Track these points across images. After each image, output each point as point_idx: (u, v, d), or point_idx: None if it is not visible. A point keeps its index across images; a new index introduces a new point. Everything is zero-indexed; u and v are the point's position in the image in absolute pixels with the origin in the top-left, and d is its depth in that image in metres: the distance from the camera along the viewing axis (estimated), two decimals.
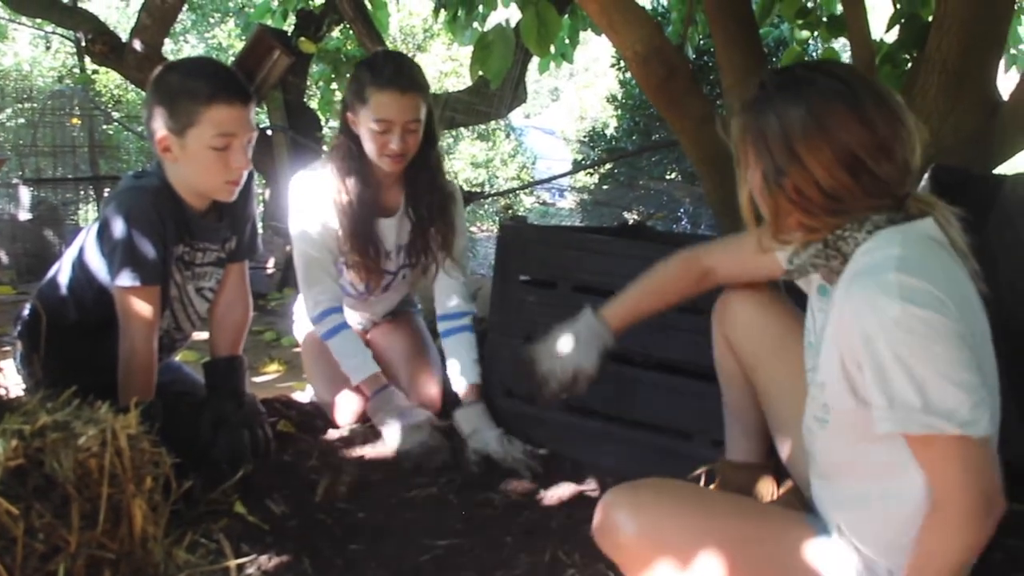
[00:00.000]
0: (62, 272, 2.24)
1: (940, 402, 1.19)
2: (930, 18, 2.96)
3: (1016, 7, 4.41)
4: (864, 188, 1.30)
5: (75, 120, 7.24)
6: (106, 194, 6.87)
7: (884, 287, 1.22)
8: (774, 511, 1.60)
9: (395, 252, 2.59)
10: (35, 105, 7.32)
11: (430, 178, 2.53)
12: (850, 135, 1.29)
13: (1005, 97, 2.86)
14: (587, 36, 5.47)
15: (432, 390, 2.60)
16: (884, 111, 1.31)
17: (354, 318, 2.78)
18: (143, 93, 5.95)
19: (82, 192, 7.14)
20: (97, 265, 2.12)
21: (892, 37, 3.38)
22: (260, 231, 2.58)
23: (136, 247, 1.99)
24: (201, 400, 2.27)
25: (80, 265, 2.19)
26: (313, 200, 2.46)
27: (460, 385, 2.49)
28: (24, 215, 6.24)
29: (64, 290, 2.21)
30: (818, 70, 1.36)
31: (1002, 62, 4.70)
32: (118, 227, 1.99)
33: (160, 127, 2.02)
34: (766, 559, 1.43)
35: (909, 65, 3.19)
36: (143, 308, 2.04)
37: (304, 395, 2.76)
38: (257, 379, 3.38)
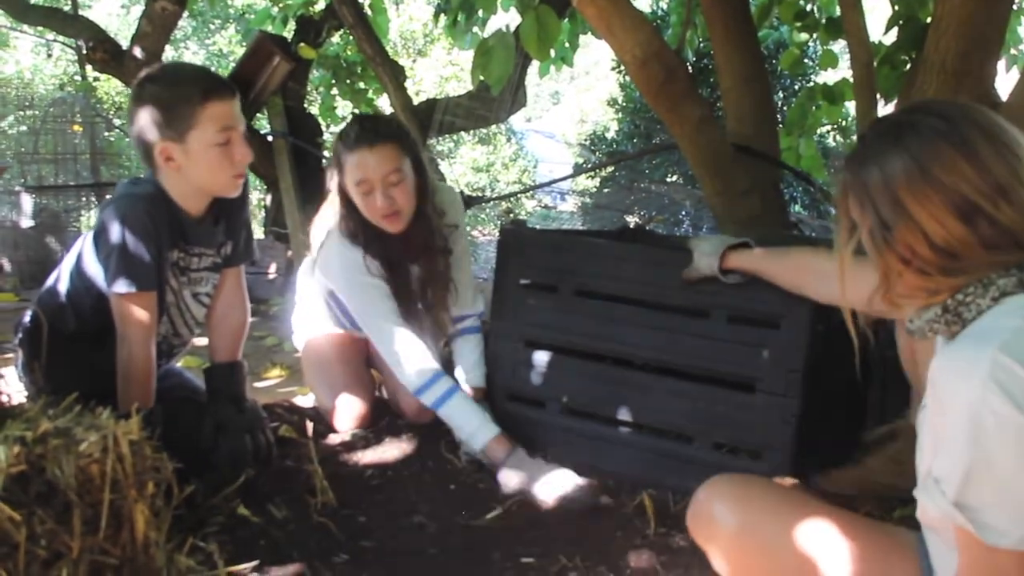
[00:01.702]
0: (61, 280, 2.25)
1: (975, 501, 1.09)
2: (928, 19, 2.97)
3: (1014, 8, 4.42)
4: (983, 239, 1.12)
5: (77, 127, 7.25)
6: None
7: (976, 361, 1.08)
8: (885, 531, 1.45)
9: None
10: (37, 112, 7.33)
11: (424, 238, 2.43)
12: (959, 178, 1.12)
13: (1004, 98, 2.86)
14: (587, 40, 5.49)
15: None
16: (998, 146, 1.14)
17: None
18: None
19: (84, 199, 7.16)
20: (95, 272, 2.13)
21: (891, 39, 3.38)
22: (261, 236, 2.59)
23: (131, 254, 2.01)
24: (202, 406, 2.28)
25: (78, 273, 2.19)
26: (357, 271, 2.37)
27: (463, 387, 2.46)
28: (26, 222, 6.25)
29: (63, 297, 2.22)
30: (919, 111, 1.22)
31: (1003, 62, 4.72)
32: (113, 234, 2.01)
33: (157, 138, 2.02)
34: None
35: (908, 67, 3.19)
36: (140, 314, 2.05)
37: (306, 400, 2.77)
38: (259, 384, 3.39)
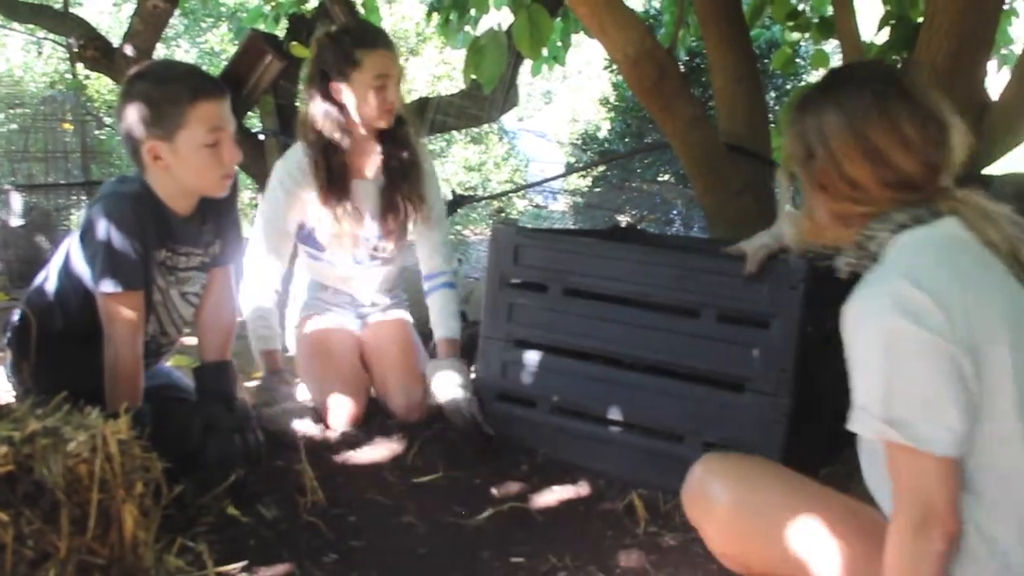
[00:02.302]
0: (49, 279, 2.23)
1: (902, 414, 1.23)
2: (919, 19, 2.98)
3: (1005, 8, 4.43)
4: (882, 178, 1.36)
5: (67, 125, 7.22)
6: None
7: (880, 294, 1.27)
8: (872, 513, 1.48)
9: (370, 217, 2.67)
10: (27, 110, 7.28)
11: (404, 134, 2.66)
12: (870, 127, 1.36)
13: (995, 98, 2.87)
14: (579, 39, 5.48)
15: (416, 397, 2.62)
16: (912, 107, 1.37)
17: (347, 317, 2.81)
18: None
19: (74, 197, 7.11)
20: (82, 271, 2.11)
21: (882, 38, 3.39)
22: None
23: (117, 252, 2.00)
24: (191, 405, 2.27)
25: (66, 272, 2.18)
26: (284, 174, 2.60)
27: (438, 339, 2.67)
28: (16, 221, 6.22)
29: (51, 297, 2.21)
30: (859, 67, 1.54)
31: (993, 62, 4.73)
32: (99, 232, 2.00)
33: (145, 137, 2.02)
34: (853, 558, 1.40)
35: (899, 66, 3.20)
36: (126, 313, 2.04)
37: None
38: (250, 384, 3.38)
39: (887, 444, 1.26)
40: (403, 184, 2.66)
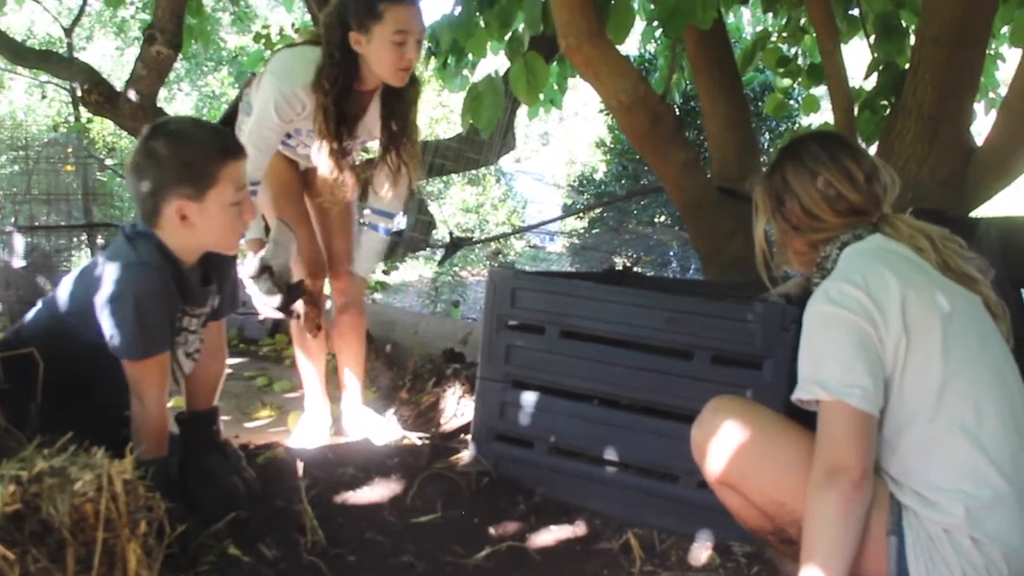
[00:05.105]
0: (33, 327, 2.16)
1: (824, 374, 1.53)
2: (907, 65, 3.05)
3: (990, 54, 4.52)
4: (833, 207, 1.72)
5: (69, 168, 7.28)
6: (100, 240, 6.90)
7: (818, 293, 1.61)
8: None
9: (358, 140, 2.77)
10: (30, 153, 7.34)
11: (412, 95, 2.69)
12: (823, 167, 1.74)
13: (980, 142, 2.93)
14: (576, 82, 5.55)
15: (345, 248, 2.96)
16: (854, 152, 1.76)
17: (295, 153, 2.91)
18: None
19: (75, 239, 7.16)
20: (83, 328, 2.03)
21: (871, 84, 3.46)
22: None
23: (148, 326, 1.96)
24: (184, 455, 2.25)
25: (59, 325, 2.09)
26: (292, 105, 2.56)
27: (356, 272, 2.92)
28: (18, 262, 6.25)
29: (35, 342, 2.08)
30: (806, 134, 1.85)
31: (981, 105, 4.81)
32: (127, 306, 1.94)
33: (173, 197, 1.98)
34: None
35: (888, 111, 3.27)
36: (156, 376, 2.02)
37: (293, 441, 2.79)
38: (249, 424, 3.40)
39: (819, 405, 1.54)
40: (393, 150, 2.72)
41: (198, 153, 1.98)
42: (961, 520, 1.47)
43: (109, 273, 1.97)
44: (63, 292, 2.11)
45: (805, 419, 1.62)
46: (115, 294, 1.95)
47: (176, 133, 2.02)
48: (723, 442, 1.72)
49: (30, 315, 2.20)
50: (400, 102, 2.68)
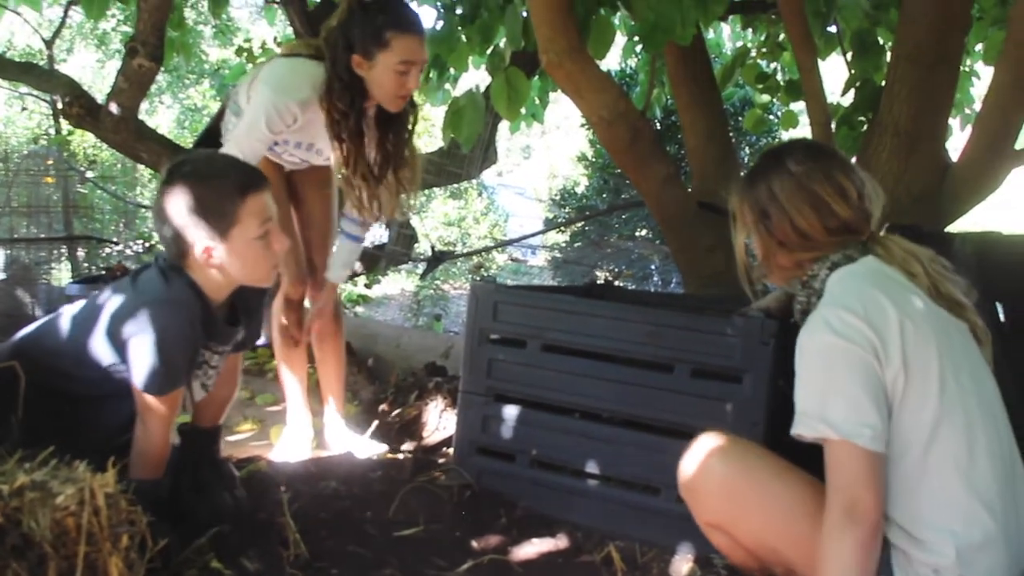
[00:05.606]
0: (39, 340, 2.12)
1: (833, 413, 1.45)
2: (883, 82, 3.09)
3: (964, 70, 4.58)
4: (826, 225, 1.65)
5: (49, 180, 7.26)
6: (80, 252, 6.87)
7: (816, 320, 1.54)
8: None
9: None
10: (10, 165, 7.31)
11: (406, 119, 2.67)
12: (815, 182, 1.66)
13: (956, 157, 2.97)
14: (557, 95, 5.59)
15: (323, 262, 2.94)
16: (845, 168, 1.68)
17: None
18: (118, 154, 5.95)
19: (55, 252, 7.14)
20: (100, 358, 2.00)
21: (848, 100, 3.51)
22: None
23: (171, 365, 1.95)
24: (179, 468, 2.25)
25: (75, 349, 2.04)
26: (284, 119, 2.50)
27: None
28: None
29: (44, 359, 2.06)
30: (793, 144, 1.78)
31: (957, 120, 4.87)
32: (153, 343, 1.92)
33: (199, 240, 1.96)
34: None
35: (864, 127, 3.31)
36: (167, 410, 2.01)
37: (275, 455, 2.78)
38: (231, 438, 3.39)
39: (825, 443, 1.47)
40: (387, 170, 2.69)
41: (217, 194, 1.95)
42: (952, 562, 1.44)
43: (141, 306, 1.94)
44: (65, 320, 2.08)
45: (791, 445, 1.58)
46: (145, 329, 1.92)
47: (193, 175, 1.98)
48: (713, 486, 1.69)
49: (25, 332, 2.16)
50: (397, 123, 2.66)
